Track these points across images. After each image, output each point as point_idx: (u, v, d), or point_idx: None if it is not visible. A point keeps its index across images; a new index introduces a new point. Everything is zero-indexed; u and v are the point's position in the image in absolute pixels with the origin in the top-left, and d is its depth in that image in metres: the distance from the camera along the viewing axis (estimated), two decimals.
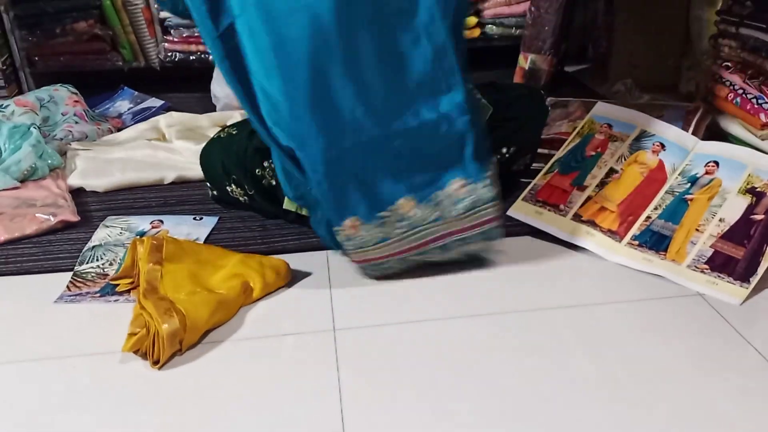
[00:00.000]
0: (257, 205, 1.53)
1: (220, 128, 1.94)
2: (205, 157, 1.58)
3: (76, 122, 2.00)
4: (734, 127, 1.78)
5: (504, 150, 1.55)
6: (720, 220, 1.40)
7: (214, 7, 1.14)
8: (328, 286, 1.34)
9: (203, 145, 1.64)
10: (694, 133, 1.67)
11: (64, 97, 2.07)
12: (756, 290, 1.29)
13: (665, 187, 1.51)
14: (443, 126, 1.19)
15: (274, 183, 1.48)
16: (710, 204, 1.44)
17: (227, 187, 1.54)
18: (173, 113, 2.14)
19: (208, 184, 1.61)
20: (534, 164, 1.68)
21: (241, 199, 1.54)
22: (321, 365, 1.12)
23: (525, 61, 2.24)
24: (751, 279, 1.30)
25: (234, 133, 1.55)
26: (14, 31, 2.35)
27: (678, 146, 1.57)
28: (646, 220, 1.46)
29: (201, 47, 2.45)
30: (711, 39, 1.86)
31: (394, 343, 1.17)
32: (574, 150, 1.65)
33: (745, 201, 1.42)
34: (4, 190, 1.67)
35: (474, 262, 1.37)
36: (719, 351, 1.15)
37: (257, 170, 1.48)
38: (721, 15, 1.81)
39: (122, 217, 1.59)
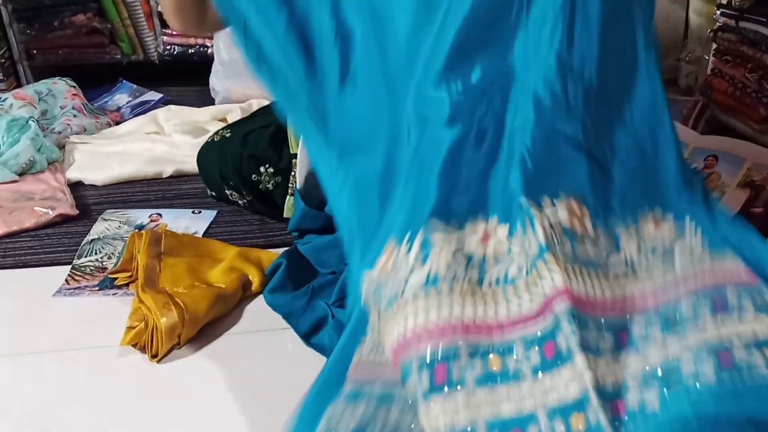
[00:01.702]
0: (256, 209, 1.53)
1: (218, 121, 1.94)
2: (202, 163, 1.58)
3: (75, 115, 2.00)
4: (733, 122, 1.78)
5: None
6: None
7: None
8: None
9: (202, 138, 1.64)
10: (693, 127, 1.67)
11: (62, 90, 2.06)
12: None
13: None
14: None
15: (270, 188, 1.48)
16: None
17: (226, 191, 1.54)
18: (172, 107, 2.13)
19: (207, 189, 1.61)
20: None
21: (240, 202, 1.55)
22: (320, 359, 1.12)
23: None
24: None
25: (228, 136, 1.55)
26: (12, 24, 2.34)
27: None
28: None
29: (200, 40, 2.44)
30: (711, 33, 1.85)
31: None
32: None
33: (743, 195, 1.41)
34: (2, 183, 1.67)
35: None
36: None
37: (253, 176, 1.48)
38: (721, 8, 1.81)
39: (121, 211, 1.59)
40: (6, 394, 1.05)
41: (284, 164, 1.48)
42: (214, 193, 1.59)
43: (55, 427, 0.98)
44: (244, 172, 1.48)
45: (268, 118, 1.53)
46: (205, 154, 1.57)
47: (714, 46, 1.87)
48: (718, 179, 1.46)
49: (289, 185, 1.47)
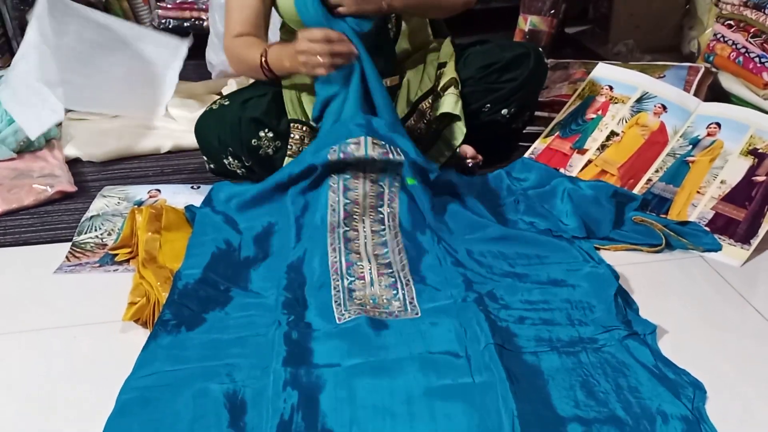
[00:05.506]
0: (255, 176, 1.52)
1: (215, 95, 1.92)
2: (200, 131, 1.56)
3: None
4: (736, 87, 1.76)
5: (504, 111, 1.53)
6: (721, 182, 1.39)
7: None
8: None
9: (199, 112, 1.62)
10: (695, 94, 1.65)
11: None
12: (756, 252, 1.29)
13: (666, 150, 1.50)
14: None
15: (271, 152, 1.47)
16: (712, 166, 1.43)
17: (224, 160, 1.53)
18: None
19: (205, 157, 1.59)
20: (534, 127, 1.67)
21: (238, 171, 1.53)
22: None
23: (525, 23, 2.21)
24: (751, 241, 1.29)
25: (226, 104, 1.53)
26: (5, 0, 2.31)
27: (680, 108, 1.55)
28: (647, 183, 1.46)
29: (195, 13, 2.41)
30: None
31: None
32: (574, 113, 1.63)
33: (746, 162, 1.40)
34: (0, 161, 1.66)
35: None
36: (720, 312, 1.15)
37: (253, 140, 1.47)
38: None
39: (119, 187, 1.58)
40: (10, 370, 1.06)
41: (283, 128, 1.47)
42: (212, 166, 1.58)
43: (59, 402, 0.99)
44: (243, 136, 1.47)
45: (264, 87, 1.52)
46: (203, 121, 1.54)
47: (717, 10, 1.84)
48: (721, 147, 1.45)
49: (288, 148, 1.46)
